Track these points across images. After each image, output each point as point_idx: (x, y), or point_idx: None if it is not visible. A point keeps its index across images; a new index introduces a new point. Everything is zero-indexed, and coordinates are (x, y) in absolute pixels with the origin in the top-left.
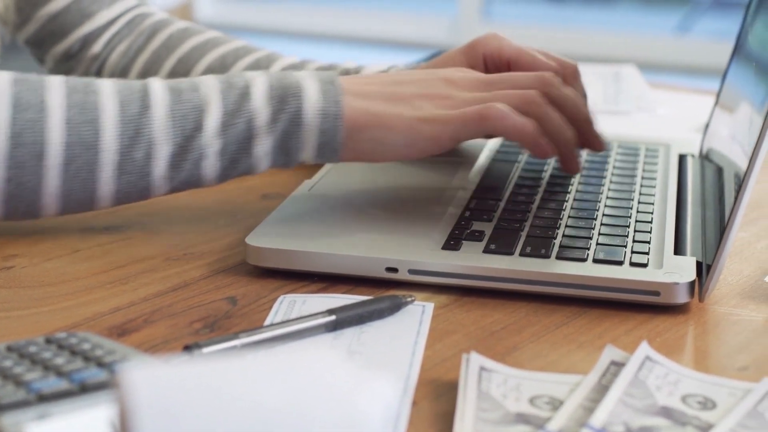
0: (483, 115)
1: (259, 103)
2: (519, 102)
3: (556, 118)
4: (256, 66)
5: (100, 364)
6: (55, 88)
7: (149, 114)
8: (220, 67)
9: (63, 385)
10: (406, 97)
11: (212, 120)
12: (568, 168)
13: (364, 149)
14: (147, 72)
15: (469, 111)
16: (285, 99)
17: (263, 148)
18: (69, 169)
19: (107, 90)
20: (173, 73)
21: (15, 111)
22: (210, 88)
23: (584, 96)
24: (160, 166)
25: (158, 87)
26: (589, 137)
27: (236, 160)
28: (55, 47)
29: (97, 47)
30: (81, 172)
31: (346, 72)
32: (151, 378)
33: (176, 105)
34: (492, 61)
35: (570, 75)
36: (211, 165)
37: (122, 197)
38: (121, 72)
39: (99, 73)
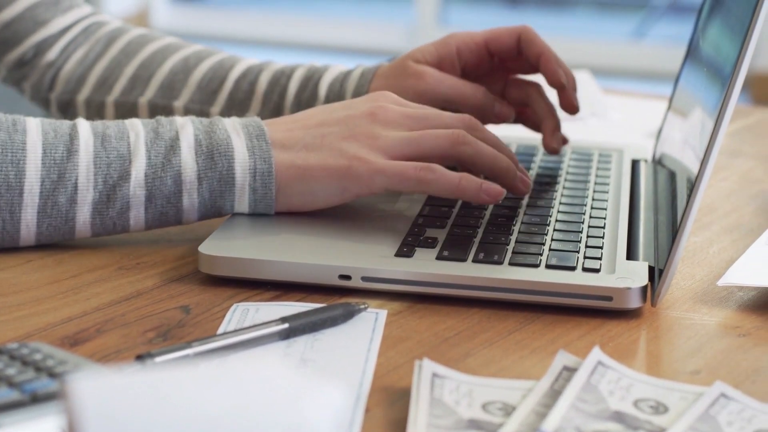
0: (422, 179)
1: (187, 158)
2: (448, 142)
3: (488, 151)
4: (219, 66)
5: (52, 375)
6: None
7: (74, 159)
8: (184, 68)
9: (14, 395)
10: (330, 141)
11: (138, 171)
12: (517, 192)
13: (296, 201)
14: (106, 79)
15: (407, 168)
16: (213, 157)
17: (191, 202)
18: None
19: (33, 130)
20: (134, 78)
21: None
22: (136, 137)
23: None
24: (83, 212)
25: (85, 131)
26: (511, 183)
27: (164, 213)
28: (8, 55)
29: (51, 54)
30: (2, 213)
31: (313, 72)
32: (98, 388)
33: (101, 152)
34: (467, 48)
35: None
36: (136, 215)
37: (44, 239)
38: (78, 79)
39: (54, 81)
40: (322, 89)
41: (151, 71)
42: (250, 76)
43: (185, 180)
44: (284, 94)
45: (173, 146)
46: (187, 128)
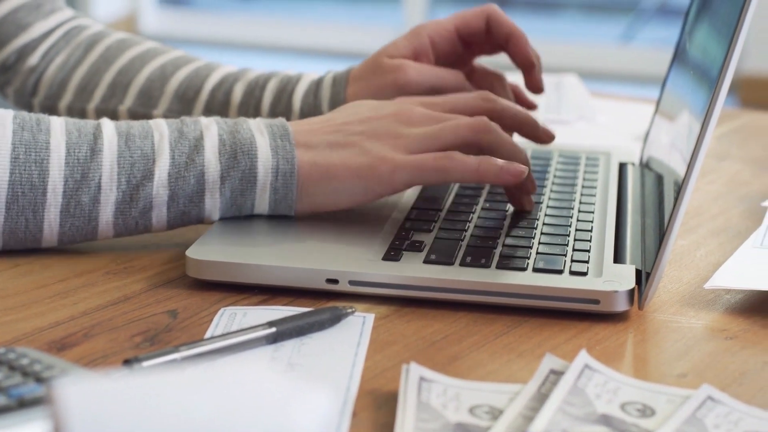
0: (440, 168)
1: (210, 158)
2: (471, 133)
3: (508, 142)
4: (195, 75)
5: (39, 380)
6: (4, 124)
7: (98, 159)
8: (161, 76)
9: (0, 400)
10: (354, 140)
11: (161, 171)
12: (521, 200)
13: (320, 201)
14: (86, 85)
15: (426, 160)
16: (236, 156)
17: (213, 202)
18: (13, 208)
19: (57, 129)
20: (113, 85)
21: None
22: (161, 136)
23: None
24: (106, 212)
25: (109, 130)
26: (537, 134)
27: (186, 212)
28: None
29: (33, 59)
30: (25, 212)
31: (285, 83)
32: (85, 392)
33: (125, 152)
34: (439, 37)
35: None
36: (159, 215)
37: (67, 239)
38: (59, 85)
39: (36, 86)
40: (296, 102)
41: (129, 78)
42: (225, 86)
43: (208, 180)
44: (259, 107)
45: (197, 146)
46: (211, 128)
